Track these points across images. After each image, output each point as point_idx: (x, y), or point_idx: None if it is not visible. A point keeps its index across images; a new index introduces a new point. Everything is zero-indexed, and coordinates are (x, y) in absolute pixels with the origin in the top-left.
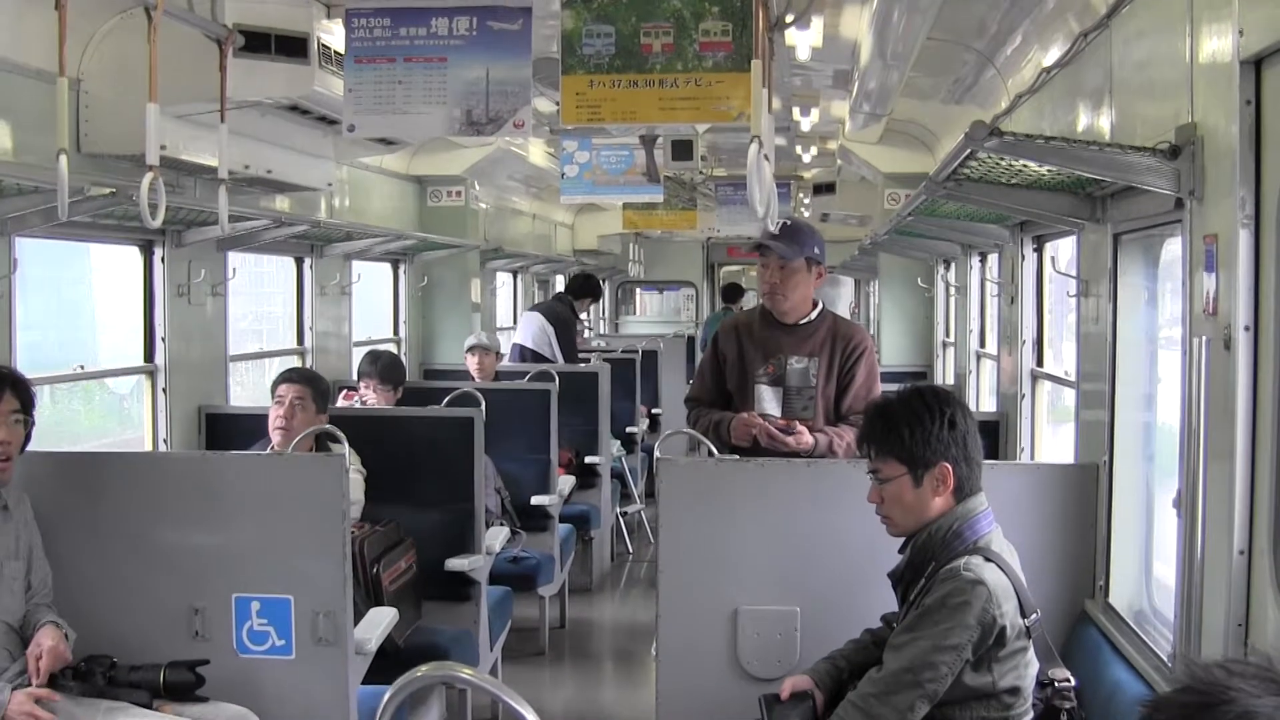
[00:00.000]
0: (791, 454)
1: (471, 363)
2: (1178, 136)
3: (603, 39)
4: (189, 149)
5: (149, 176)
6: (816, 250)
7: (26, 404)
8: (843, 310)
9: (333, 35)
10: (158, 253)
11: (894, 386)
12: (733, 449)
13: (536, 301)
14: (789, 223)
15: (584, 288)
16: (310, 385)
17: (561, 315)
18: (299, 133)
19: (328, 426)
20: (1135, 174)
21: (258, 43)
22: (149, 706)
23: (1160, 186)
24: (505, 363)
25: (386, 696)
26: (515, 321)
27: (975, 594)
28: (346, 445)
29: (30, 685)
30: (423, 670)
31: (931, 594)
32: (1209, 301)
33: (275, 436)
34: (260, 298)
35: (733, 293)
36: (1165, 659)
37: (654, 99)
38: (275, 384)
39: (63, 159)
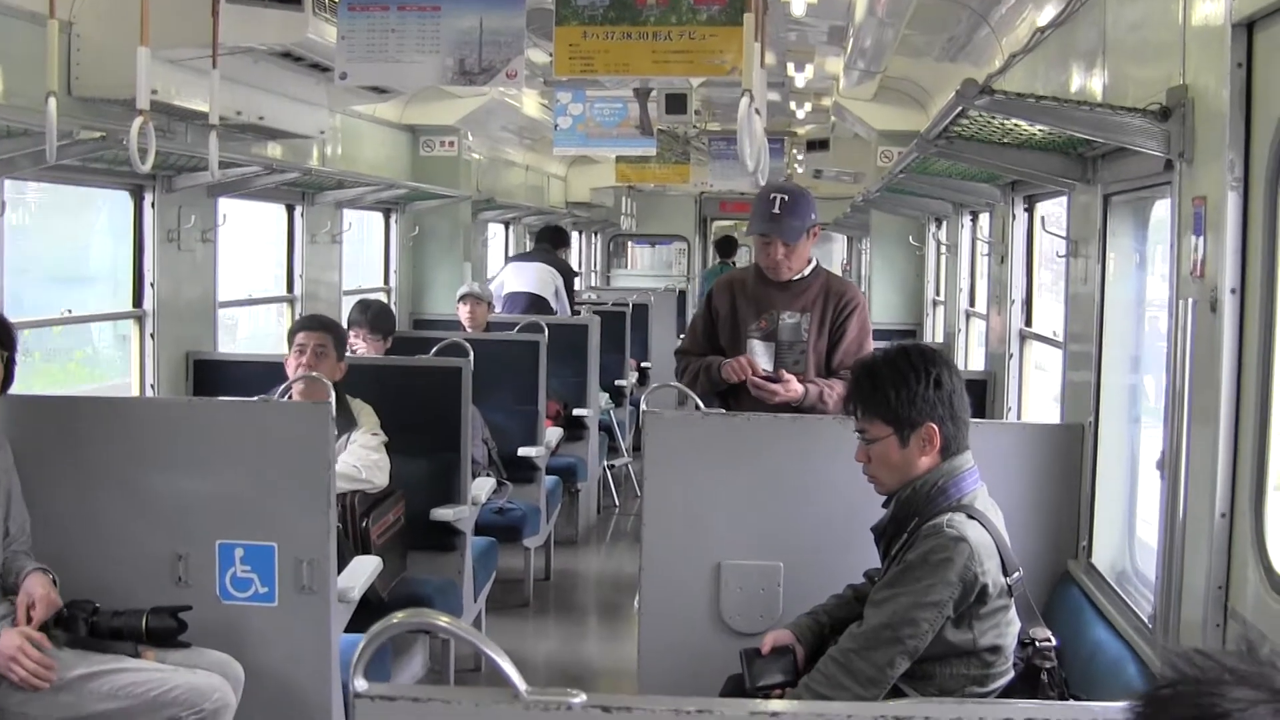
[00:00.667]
0: (782, 405)
1: (463, 312)
2: (1169, 98)
3: None
4: (180, 94)
5: (139, 121)
6: (813, 216)
7: (6, 343)
8: (834, 267)
9: None
10: (148, 198)
11: (884, 344)
12: (721, 396)
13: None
14: (787, 198)
15: (564, 238)
16: (331, 332)
17: (565, 266)
18: (291, 79)
19: (317, 374)
20: (1126, 135)
21: None
22: (135, 656)
23: (1150, 148)
24: (500, 312)
25: (362, 643)
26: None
27: (958, 551)
28: (371, 410)
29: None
30: (399, 617)
31: (914, 550)
32: (1196, 264)
33: (298, 386)
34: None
35: (728, 246)
36: (1146, 620)
37: (647, 51)
38: (294, 331)
39: (52, 101)
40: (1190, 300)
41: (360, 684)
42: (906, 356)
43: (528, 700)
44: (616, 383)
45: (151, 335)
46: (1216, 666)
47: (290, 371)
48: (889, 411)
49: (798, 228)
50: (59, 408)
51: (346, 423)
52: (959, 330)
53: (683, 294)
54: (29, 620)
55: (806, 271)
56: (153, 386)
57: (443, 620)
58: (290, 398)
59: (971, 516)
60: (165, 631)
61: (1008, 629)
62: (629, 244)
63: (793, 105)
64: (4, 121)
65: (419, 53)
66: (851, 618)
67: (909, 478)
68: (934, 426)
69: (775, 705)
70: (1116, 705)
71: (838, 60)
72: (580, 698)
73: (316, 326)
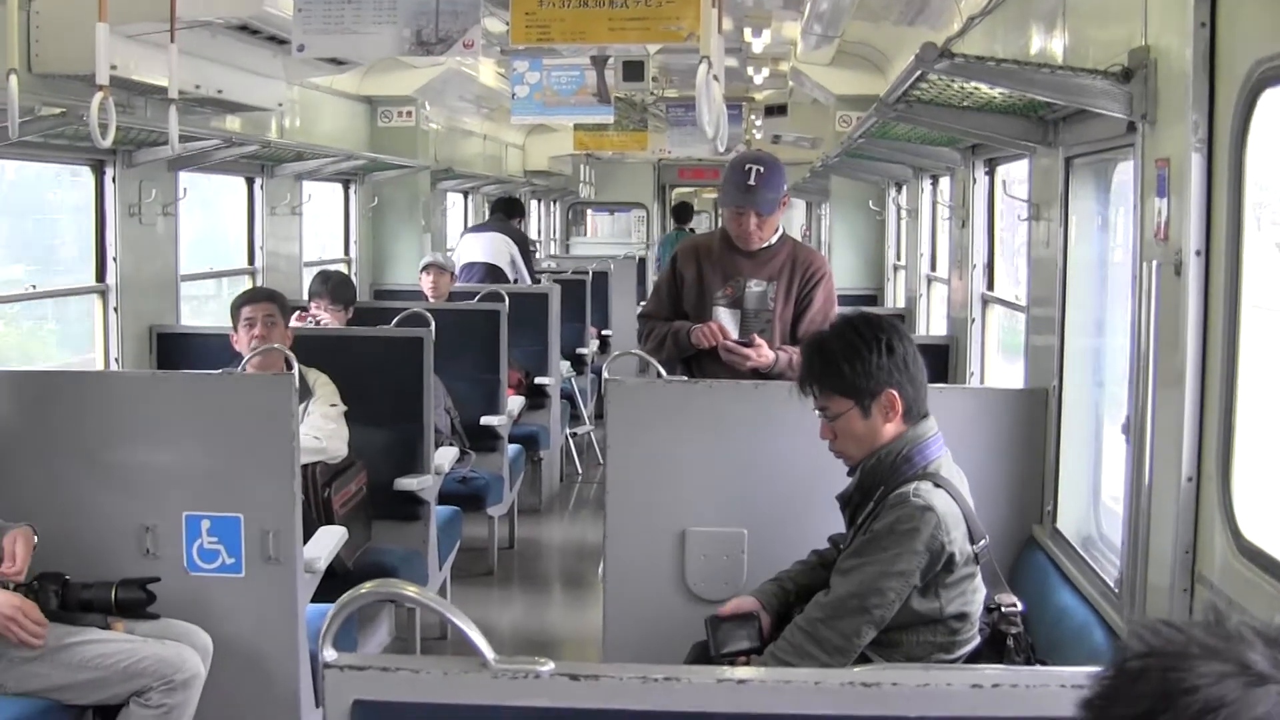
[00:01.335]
0: (752, 371)
1: (426, 282)
2: (1130, 60)
3: None
4: (139, 69)
5: (99, 96)
6: (785, 186)
7: None
8: (794, 233)
9: None
10: (109, 173)
11: (846, 309)
12: (686, 363)
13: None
14: (763, 169)
15: (518, 208)
16: (275, 301)
17: (521, 236)
18: (249, 52)
19: (279, 346)
20: (1087, 97)
21: None
22: (105, 628)
23: (1112, 110)
24: (460, 283)
25: (331, 612)
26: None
27: (924, 520)
28: (327, 379)
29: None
30: (367, 587)
31: (880, 519)
32: (1160, 226)
33: (255, 360)
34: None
35: (683, 212)
36: (1112, 585)
37: (604, 19)
38: (237, 306)
39: (13, 79)
40: (1154, 263)
41: (329, 654)
42: (853, 327)
43: (496, 669)
44: (578, 350)
45: (115, 309)
46: (1184, 639)
47: (243, 347)
48: (845, 384)
49: (772, 200)
50: (24, 382)
51: (303, 392)
52: (920, 295)
53: (642, 261)
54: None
55: (773, 240)
56: (117, 360)
57: (410, 590)
58: (247, 371)
59: (938, 485)
60: (134, 603)
61: (974, 596)
62: (588, 212)
63: (750, 71)
64: None
65: (376, 24)
66: (817, 585)
67: (875, 447)
68: (893, 392)
69: (742, 672)
70: (1084, 670)
71: (795, 25)
72: (548, 666)
73: (262, 298)
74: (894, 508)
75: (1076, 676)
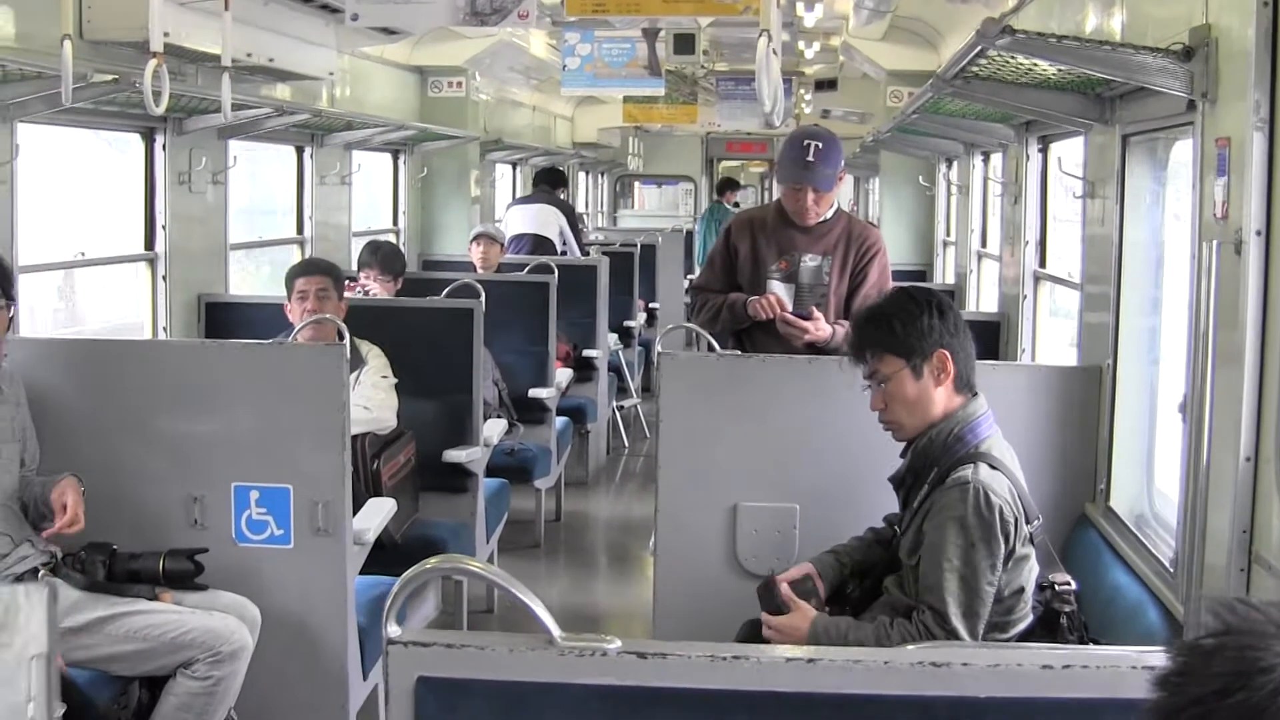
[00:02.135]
0: (805, 345)
1: (476, 252)
2: (1191, 38)
3: None
4: (191, 36)
5: (153, 63)
6: (842, 163)
7: (5, 289)
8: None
9: None
10: (159, 140)
11: (897, 284)
12: (738, 336)
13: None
14: (821, 145)
15: (561, 179)
16: (330, 275)
17: (568, 207)
18: (301, 21)
19: (330, 316)
20: (1147, 75)
21: None
22: (152, 599)
23: (1172, 88)
24: (509, 254)
25: (395, 588)
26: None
27: (993, 512)
28: (380, 352)
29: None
30: (433, 563)
31: (944, 510)
32: (1220, 205)
33: (305, 332)
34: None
35: (725, 186)
36: (1167, 564)
37: None
38: (291, 277)
39: (67, 45)
40: (1214, 242)
41: (393, 630)
42: (905, 293)
43: (563, 646)
44: (625, 323)
45: (164, 278)
46: (1261, 617)
47: (295, 318)
48: (898, 343)
49: (830, 176)
50: (74, 350)
51: (354, 362)
52: (970, 271)
53: (689, 234)
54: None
55: (828, 214)
56: (165, 329)
57: (475, 566)
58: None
59: (994, 467)
60: (182, 574)
61: (1030, 574)
62: (635, 184)
63: (801, 45)
64: (17, 65)
65: None
66: (872, 561)
67: (928, 417)
68: (945, 353)
69: (811, 651)
70: (1153, 650)
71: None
72: (615, 644)
73: (315, 271)
74: (957, 500)
75: (1146, 656)
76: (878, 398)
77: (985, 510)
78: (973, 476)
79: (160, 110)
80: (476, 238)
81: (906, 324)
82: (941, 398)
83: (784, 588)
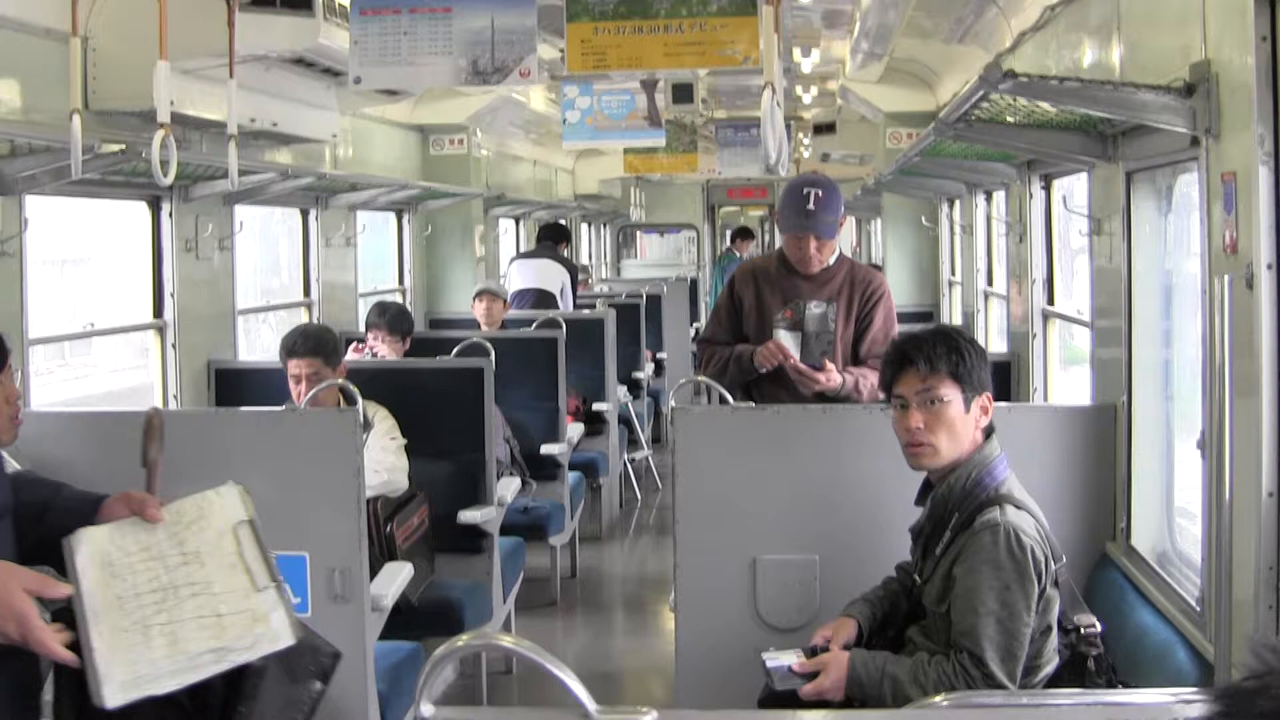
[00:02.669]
0: (818, 394)
1: (479, 309)
2: (1192, 74)
3: None
4: (195, 103)
5: (160, 134)
6: (842, 208)
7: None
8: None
9: None
10: (165, 208)
11: (903, 328)
12: (746, 388)
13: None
14: (821, 193)
15: (565, 234)
16: (319, 354)
17: (570, 264)
18: (303, 85)
19: (343, 382)
20: (1151, 113)
21: None
22: None
23: (1176, 125)
24: (513, 309)
25: (427, 668)
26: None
27: (1026, 554)
28: (386, 413)
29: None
30: (463, 640)
31: (976, 553)
32: (1229, 240)
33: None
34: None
35: (739, 234)
36: (1193, 602)
37: (659, 45)
38: (283, 356)
39: (76, 119)
40: (1226, 277)
41: (427, 709)
42: (960, 332)
43: (598, 719)
44: (633, 375)
45: (173, 345)
46: None
47: (295, 398)
48: (961, 371)
49: (831, 223)
50: (84, 422)
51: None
52: (977, 310)
53: (694, 283)
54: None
55: (831, 260)
56: (175, 397)
57: (506, 641)
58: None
59: (1019, 507)
60: None
61: (1055, 615)
62: (638, 234)
63: (799, 90)
64: (26, 138)
65: (432, 54)
66: (892, 612)
67: (959, 451)
68: (990, 397)
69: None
70: (1178, 692)
71: (843, 43)
72: (651, 715)
73: (304, 352)
74: (987, 538)
75: (1184, 700)
76: (917, 415)
77: (1017, 551)
78: (1001, 518)
79: (168, 181)
80: (479, 294)
81: (966, 358)
82: (973, 436)
83: (797, 662)
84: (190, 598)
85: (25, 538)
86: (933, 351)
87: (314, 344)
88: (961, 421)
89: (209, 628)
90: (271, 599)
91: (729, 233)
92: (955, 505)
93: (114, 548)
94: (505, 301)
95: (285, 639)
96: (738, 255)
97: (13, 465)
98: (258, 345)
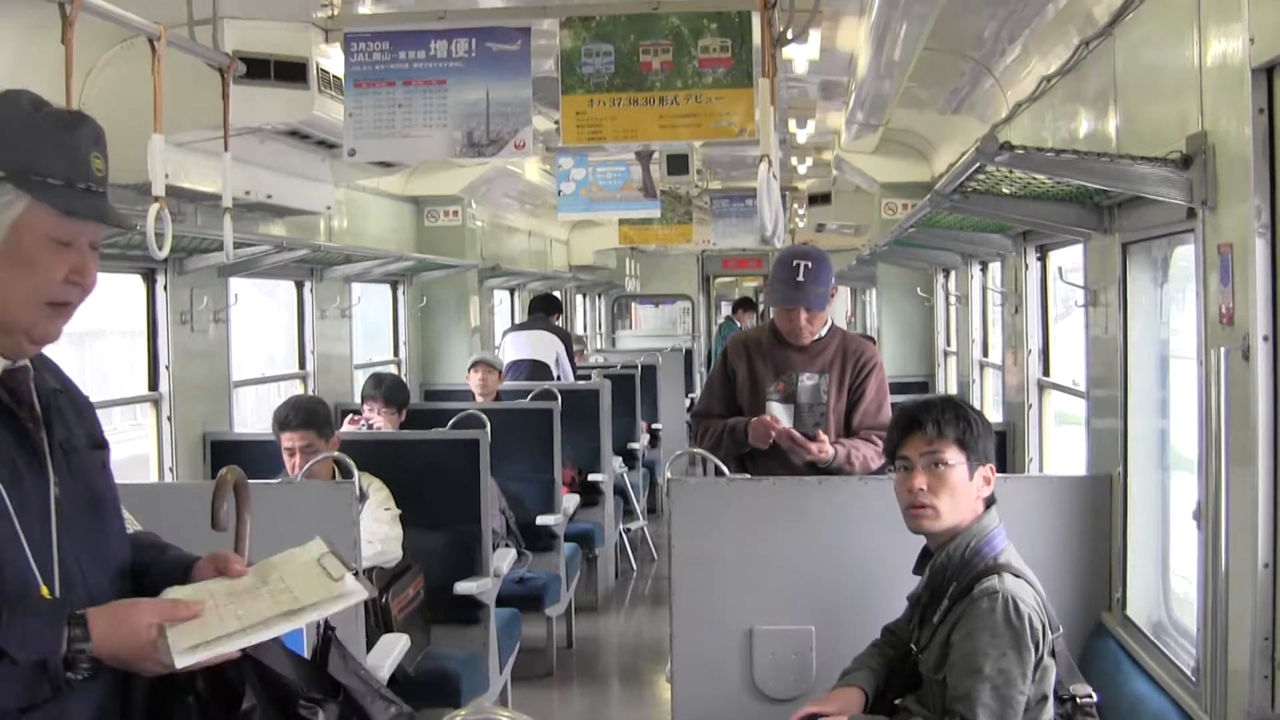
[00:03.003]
0: (810, 465)
1: (474, 379)
2: (1189, 145)
3: (602, 58)
4: (190, 176)
5: (155, 208)
6: (833, 280)
7: None
8: (839, 320)
9: (331, 60)
10: (160, 281)
11: (899, 397)
12: (740, 460)
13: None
14: (810, 265)
15: (557, 305)
16: (311, 427)
17: (564, 333)
18: (298, 157)
19: (339, 455)
20: (1148, 185)
21: (258, 69)
22: None
23: (1173, 197)
24: (507, 380)
25: None
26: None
27: (1025, 622)
28: (380, 484)
29: None
30: (462, 715)
31: (974, 619)
32: (1225, 311)
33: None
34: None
35: (741, 305)
36: (1189, 672)
37: (654, 117)
38: (276, 428)
39: None
40: (1222, 348)
41: None
42: (968, 403)
43: None
44: (629, 445)
45: (168, 418)
46: None
47: (289, 470)
48: (968, 439)
49: (821, 295)
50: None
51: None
52: (973, 381)
53: (689, 353)
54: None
55: (823, 332)
56: (171, 469)
57: (504, 715)
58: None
59: (1018, 576)
60: None
61: (1051, 684)
62: (633, 305)
63: (794, 160)
64: None
65: (426, 126)
66: (892, 678)
67: (960, 517)
68: (993, 469)
69: None
70: None
71: (839, 114)
72: None
73: (296, 425)
74: (985, 605)
75: None
76: (924, 478)
77: (1015, 618)
78: (1000, 586)
79: (164, 254)
80: (475, 365)
81: (979, 427)
82: (974, 505)
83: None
84: (268, 595)
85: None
86: (941, 416)
87: (306, 416)
88: (964, 488)
89: (284, 603)
90: (350, 582)
91: (725, 303)
92: (954, 574)
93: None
94: (500, 372)
95: (360, 594)
96: (738, 325)
97: (134, 525)
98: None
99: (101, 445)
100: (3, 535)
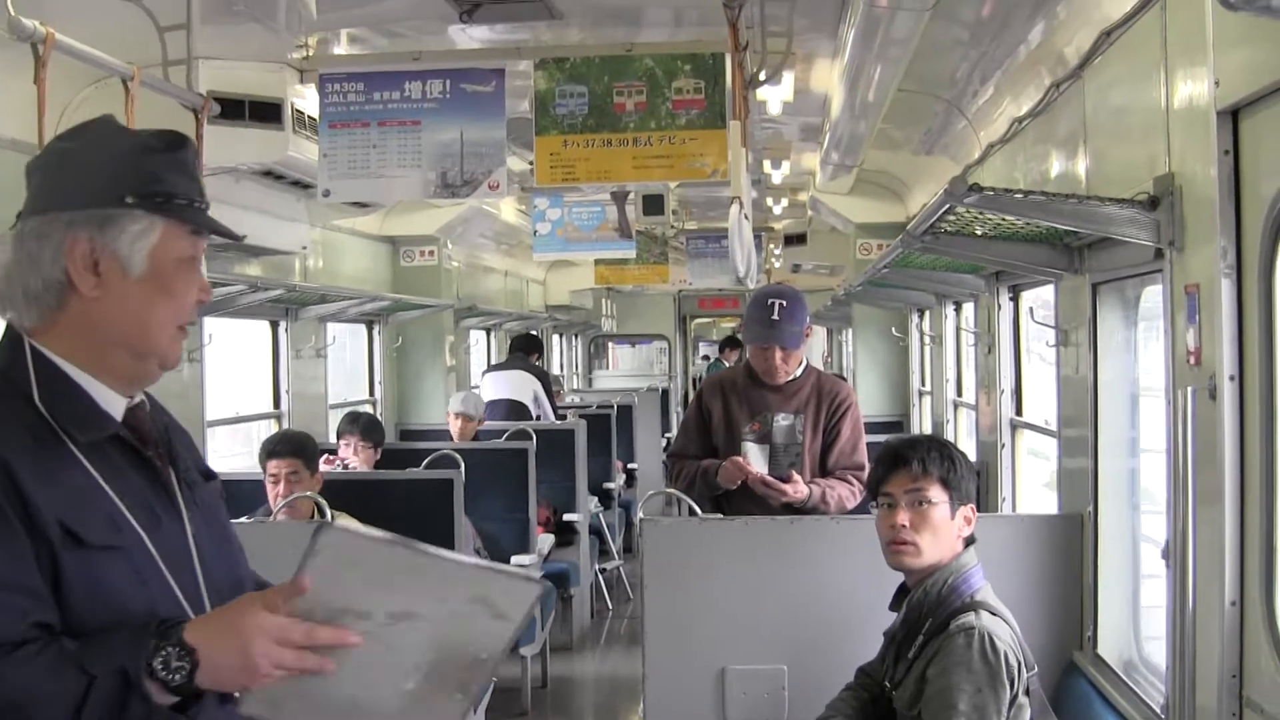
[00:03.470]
0: (786, 506)
1: (454, 425)
2: (1156, 187)
3: (576, 99)
4: None
5: None
6: (808, 319)
7: None
8: (815, 360)
9: (306, 100)
10: None
11: (874, 437)
12: (716, 501)
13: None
14: (785, 303)
15: (537, 345)
16: (300, 456)
17: (543, 374)
18: (273, 197)
19: (314, 495)
20: (1115, 226)
21: (232, 109)
22: None
23: (1141, 238)
24: (489, 422)
25: None
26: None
27: (1001, 659)
28: (357, 524)
29: None
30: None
31: (949, 655)
32: (1193, 351)
33: (282, 515)
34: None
35: (728, 344)
36: (1158, 710)
37: (628, 158)
38: (263, 458)
39: None
40: (1189, 388)
41: None
42: (952, 443)
43: None
44: (605, 485)
45: None
46: None
47: (271, 499)
48: (952, 478)
49: (796, 333)
50: None
51: None
52: (947, 420)
53: (665, 393)
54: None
55: (798, 372)
56: None
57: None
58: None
59: (994, 614)
60: None
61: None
62: (609, 344)
63: (769, 201)
64: None
65: (401, 167)
66: (867, 717)
67: (940, 554)
68: (974, 509)
69: None
70: None
71: (814, 155)
72: None
73: (285, 453)
74: (961, 641)
75: None
76: (906, 514)
77: (991, 655)
78: (976, 622)
79: None
80: (457, 413)
81: (962, 468)
82: (954, 543)
83: None
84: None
85: None
86: (927, 455)
87: (295, 446)
88: (946, 527)
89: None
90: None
91: (704, 343)
92: (930, 610)
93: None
94: (480, 419)
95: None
96: (726, 364)
97: None
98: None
99: (211, 476)
100: (156, 587)
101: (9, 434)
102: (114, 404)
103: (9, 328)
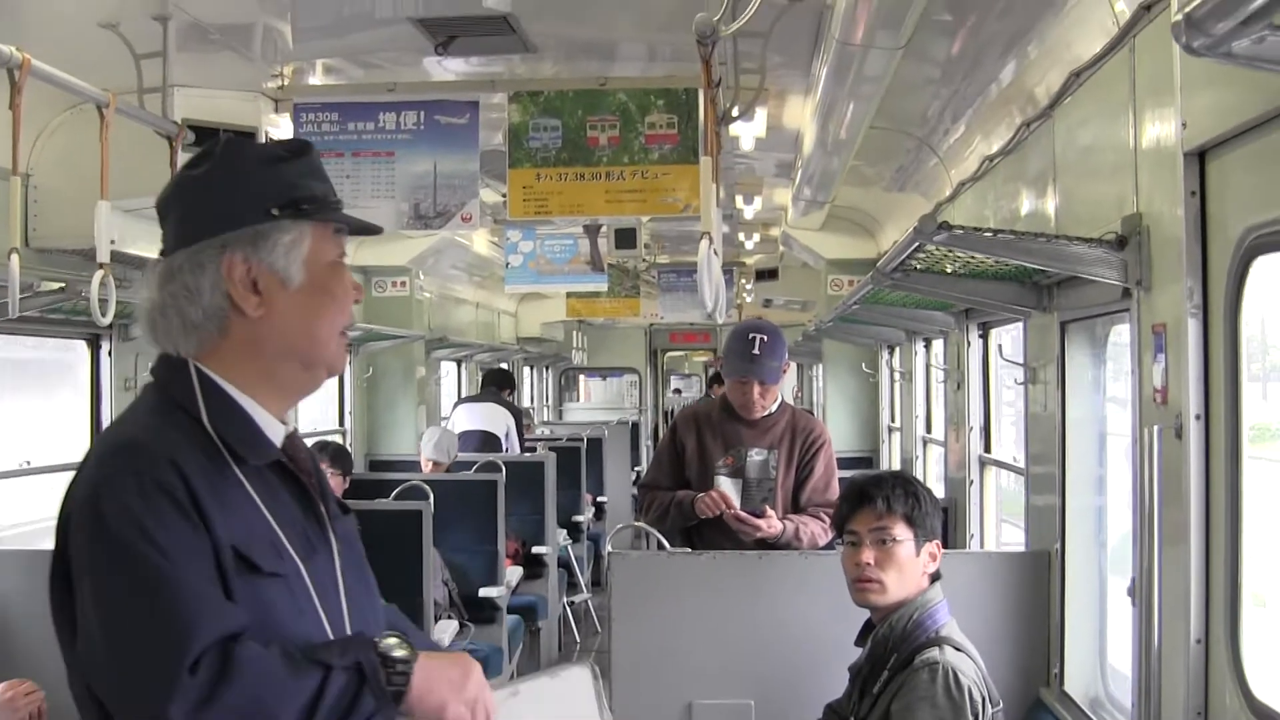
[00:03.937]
0: (759, 541)
1: (426, 465)
2: (1124, 226)
3: (549, 132)
4: (137, 242)
5: (99, 274)
6: (786, 354)
7: None
8: (786, 395)
9: (280, 130)
10: (105, 347)
11: (844, 473)
12: (687, 533)
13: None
14: (766, 338)
15: (509, 380)
16: (337, 465)
17: (515, 408)
18: None
19: None
20: (1083, 265)
21: (207, 137)
22: None
23: (1108, 277)
24: (462, 454)
25: None
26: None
27: (965, 695)
28: None
29: None
30: None
31: (913, 691)
32: (1159, 390)
33: None
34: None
35: (716, 380)
36: None
37: (601, 191)
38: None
39: (14, 258)
40: (1155, 427)
41: None
42: (917, 480)
43: None
44: (574, 518)
45: None
46: None
47: None
48: (917, 515)
49: (775, 368)
50: (29, 561)
51: None
52: (916, 456)
53: (635, 426)
54: None
55: (773, 407)
56: None
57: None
58: None
59: (959, 649)
60: None
61: None
62: (581, 377)
63: (741, 236)
64: None
65: (374, 198)
66: None
67: (905, 591)
68: (939, 545)
69: None
70: None
71: (786, 191)
72: None
73: (324, 460)
74: (925, 677)
75: None
76: (871, 552)
77: (955, 691)
78: (940, 657)
79: (107, 320)
80: (430, 457)
81: (927, 504)
82: (919, 580)
83: None
84: None
85: None
86: (891, 493)
87: (334, 452)
88: (911, 564)
89: None
90: None
91: (675, 376)
92: (895, 645)
93: None
94: (453, 458)
95: None
96: (714, 398)
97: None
98: None
99: (348, 510)
100: (310, 618)
101: (187, 454)
102: (275, 430)
103: (166, 354)
